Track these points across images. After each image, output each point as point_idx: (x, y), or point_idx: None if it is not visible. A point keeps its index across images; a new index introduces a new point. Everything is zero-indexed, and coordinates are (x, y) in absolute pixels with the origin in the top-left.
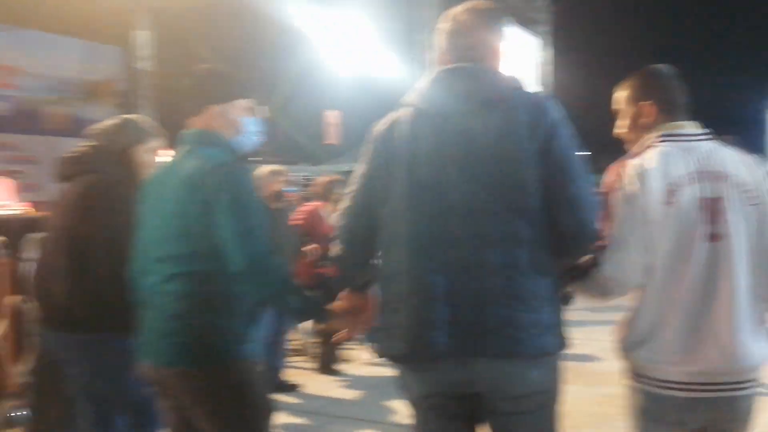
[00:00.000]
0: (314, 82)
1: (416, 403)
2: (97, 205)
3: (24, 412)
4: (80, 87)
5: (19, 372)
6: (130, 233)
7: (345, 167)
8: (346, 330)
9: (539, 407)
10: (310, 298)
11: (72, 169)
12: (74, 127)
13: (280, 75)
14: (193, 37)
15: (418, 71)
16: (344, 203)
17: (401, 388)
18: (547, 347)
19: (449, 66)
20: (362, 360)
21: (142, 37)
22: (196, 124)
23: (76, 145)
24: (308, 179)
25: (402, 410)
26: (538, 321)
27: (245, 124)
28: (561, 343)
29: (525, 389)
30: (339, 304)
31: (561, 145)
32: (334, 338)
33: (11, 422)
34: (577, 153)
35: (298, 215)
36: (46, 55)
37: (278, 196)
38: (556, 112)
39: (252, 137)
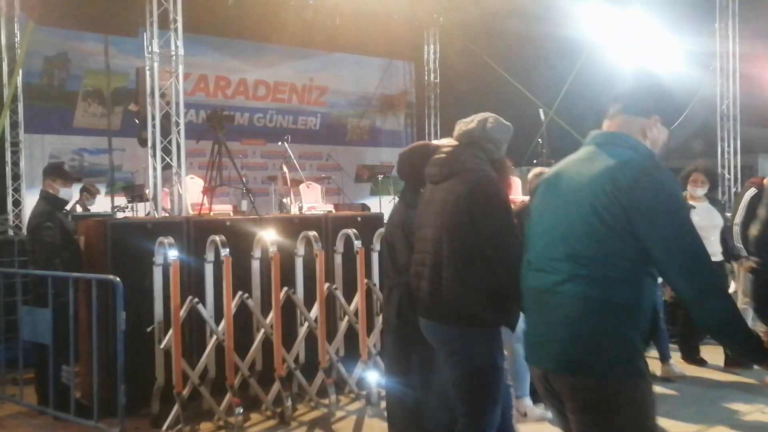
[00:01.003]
0: (596, 81)
1: None
2: (470, 207)
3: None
4: (378, 101)
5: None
6: (503, 234)
7: None
8: None
9: None
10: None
11: (444, 172)
12: (373, 138)
13: (562, 76)
14: (478, 48)
15: (702, 68)
16: None
17: None
18: None
19: None
20: None
21: (431, 52)
22: (609, 127)
23: (442, 149)
24: None
25: None
26: None
27: (658, 135)
28: None
29: None
30: None
31: None
32: None
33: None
34: None
35: None
36: (350, 74)
37: None
38: None
39: (657, 150)
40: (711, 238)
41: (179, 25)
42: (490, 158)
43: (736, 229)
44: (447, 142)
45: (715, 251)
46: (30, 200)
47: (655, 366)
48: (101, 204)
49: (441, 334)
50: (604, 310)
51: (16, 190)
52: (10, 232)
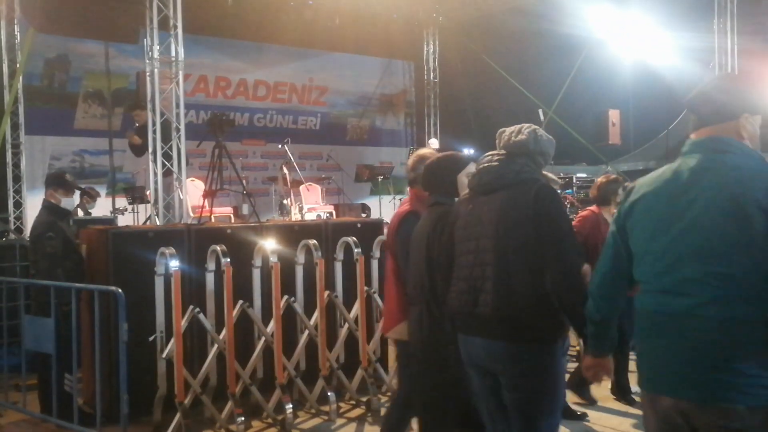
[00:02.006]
0: (595, 80)
1: None
2: (536, 217)
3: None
4: (378, 100)
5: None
6: (568, 246)
7: (624, 167)
8: None
9: None
10: None
11: (498, 182)
12: (373, 137)
13: (560, 75)
14: (477, 47)
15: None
16: None
17: None
18: None
19: None
20: None
21: (431, 51)
22: (700, 135)
23: (490, 158)
24: (583, 181)
25: None
26: None
27: (753, 129)
28: None
29: None
30: None
31: None
32: None
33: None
34: None
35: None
36: (349, 73)
37: None
38: None
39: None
40: None
41: (179, 30)
42: (540, 171)
43: None
44: (492, 153)
45: None
46: (31, 202)
47: None
48: (102, 206)
49: (506, 354)
50: (756, 332)
51: (17, 191)
52: (11, 235)
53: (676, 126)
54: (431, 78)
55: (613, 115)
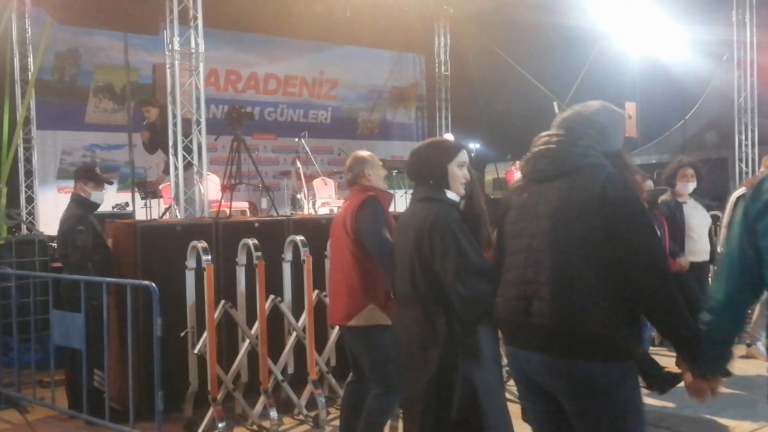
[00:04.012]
0: (609, 73)
1: None
2: (604, 209)
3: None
4: (389, 94)
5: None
6: (647, 239)
7: (638, 161)
8: None
9: None
10: None
11: (555, 168)
12: (383, 131)
13: (573, 68)
14: (489, 40)
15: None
16: None
17: None
18: None
19: None
20: None
21: (442, 44)
22: None
23: (547, 139)
24: None
25: None
26: None
27: None
28: None
29: None
30: None
31: None
32: None
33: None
34: None
35: None
36: (360, 67)
37: None
38: None
39: None
40: (703, 237)
41: (200, 22)
42: (605, 151)
43: (724, 231)
44: (549, 132)
45: (705, 250)
46: (42, 197)
47: None
48: (107, 201)
49: (573, 373)
50: None
51: (29, 186)
52: (24, 229)
53: (689, 119)
54: (442, 71)
55: (630, 108)
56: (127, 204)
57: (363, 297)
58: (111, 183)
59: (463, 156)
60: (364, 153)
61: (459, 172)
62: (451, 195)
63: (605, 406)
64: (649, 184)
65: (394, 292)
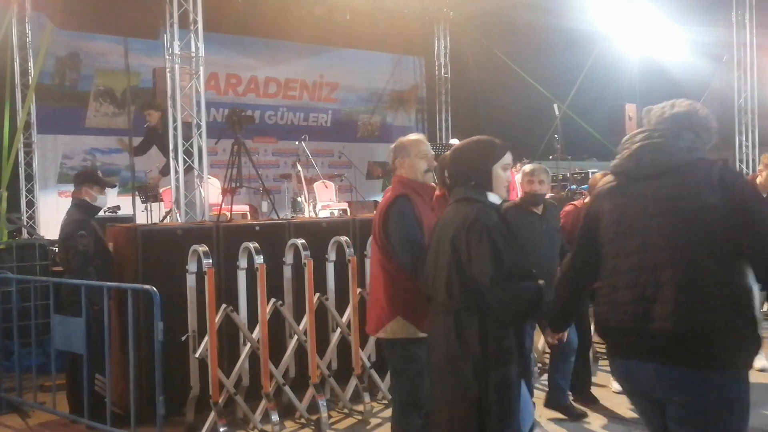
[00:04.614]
0: (608, 75)
1: None
2: (726, 203)
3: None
4: (389, 96)
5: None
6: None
7: None
8: None
9: None
10: None
11: (660, 164)
12: (384, 134)
13: (573, 70)
14: (489, 42)
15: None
16: None
17: None
18: None
19: None
20: None
21: (442, 46)
22: None
23: (647, 134)
24: (580, 175)
25: None
26: None
27: None
28: None
29: None
30: None
31: None
32: None
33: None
34: None
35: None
36: (360, 70)
37: (535, 198)
38: None
39: None
40: None
41: (200, 25)
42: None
43: None
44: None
45: None
46: (43, 201)
47: None
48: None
49: (689, 382)
50: None
51: (30, 191)
52: (25, 233)
53: None
54: (442, 73)
55: (630, 110)
56: (118, 207)
57: (390, 308)
58: (115, 186)
59: (508, 158)
60: (408, 137)
61: (503, 174)
62: (493, 197)
63: (717, 419)
64: None
65: (428, 299)
